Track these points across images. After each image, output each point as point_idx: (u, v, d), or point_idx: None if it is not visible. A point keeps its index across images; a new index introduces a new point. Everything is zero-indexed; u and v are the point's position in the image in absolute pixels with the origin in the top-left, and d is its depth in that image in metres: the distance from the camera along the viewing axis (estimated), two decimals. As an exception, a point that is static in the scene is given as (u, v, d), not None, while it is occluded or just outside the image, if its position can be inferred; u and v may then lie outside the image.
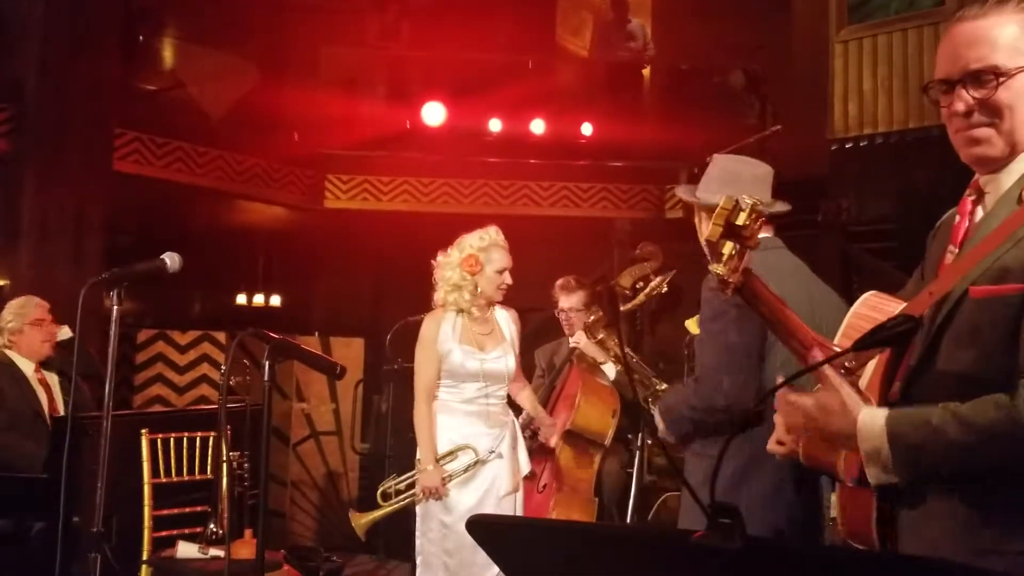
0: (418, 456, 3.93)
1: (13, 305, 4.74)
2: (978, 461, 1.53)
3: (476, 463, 3.86)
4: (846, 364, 1.67)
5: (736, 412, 2.59)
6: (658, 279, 3.15)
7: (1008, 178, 1.64)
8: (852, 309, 1.81)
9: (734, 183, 2.75)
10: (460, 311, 4.02)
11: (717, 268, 1.58)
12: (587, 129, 8.93)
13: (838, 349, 1.69)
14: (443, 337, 3.98)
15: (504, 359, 4.01)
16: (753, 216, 1.50)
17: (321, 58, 9.00)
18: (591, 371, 4.31)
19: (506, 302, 4.16)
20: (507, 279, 4.04)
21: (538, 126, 8.84)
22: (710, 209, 2.74)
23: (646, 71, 10.05)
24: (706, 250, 1.59)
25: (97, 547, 2.95)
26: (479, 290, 4.01)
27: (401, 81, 9.20)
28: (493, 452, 3.90)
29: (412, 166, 8.57)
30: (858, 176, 7.35)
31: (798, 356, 1.73)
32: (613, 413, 4.20)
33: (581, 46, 10.89)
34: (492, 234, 4.06)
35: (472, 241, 4.04)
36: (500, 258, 4.02)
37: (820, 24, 8.46)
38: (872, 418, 1.60)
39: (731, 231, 1.52)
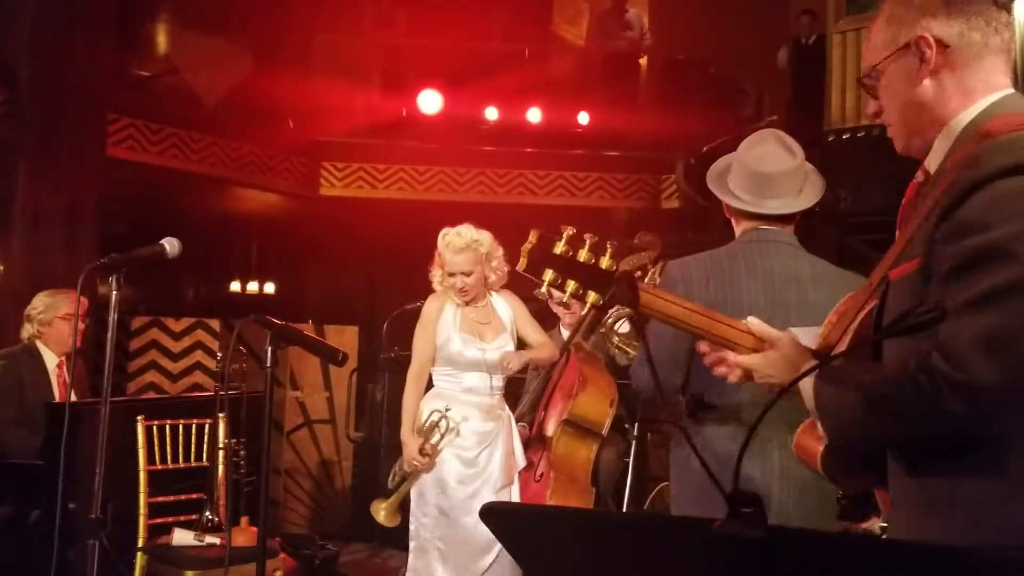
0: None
1: (45, 296, 4.64)
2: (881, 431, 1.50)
3: (444, 421, 3.83)
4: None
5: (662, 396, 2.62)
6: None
7: (934, 159, 1.63)
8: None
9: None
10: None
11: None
12: (583, 118, 8.92)
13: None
14: (443, 323, 3.94)
15: (502, 349, 3.97)
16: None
17: (317, 45, 8.97)
18: (589, 360, 4.29)
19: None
20: (458, 283, 3.87)
21: (534, 115, 8.81)
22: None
23: (643, 60, 10.05)
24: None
25: (94, 534, 2.94)
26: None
27: (397, 69, 9.18)
28: (465, 418, 3.88)
29: (408, 154, 8.56)
30: (855, 167, 7.33)
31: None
32: (611, 402, 4.17)
33: (578, 35, 10.87)
34: (446, 236, 3.88)
35: (439, 238, 3.94)
36: (448, 262, 3.87)
37: (818, 15, 8.47)
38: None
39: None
